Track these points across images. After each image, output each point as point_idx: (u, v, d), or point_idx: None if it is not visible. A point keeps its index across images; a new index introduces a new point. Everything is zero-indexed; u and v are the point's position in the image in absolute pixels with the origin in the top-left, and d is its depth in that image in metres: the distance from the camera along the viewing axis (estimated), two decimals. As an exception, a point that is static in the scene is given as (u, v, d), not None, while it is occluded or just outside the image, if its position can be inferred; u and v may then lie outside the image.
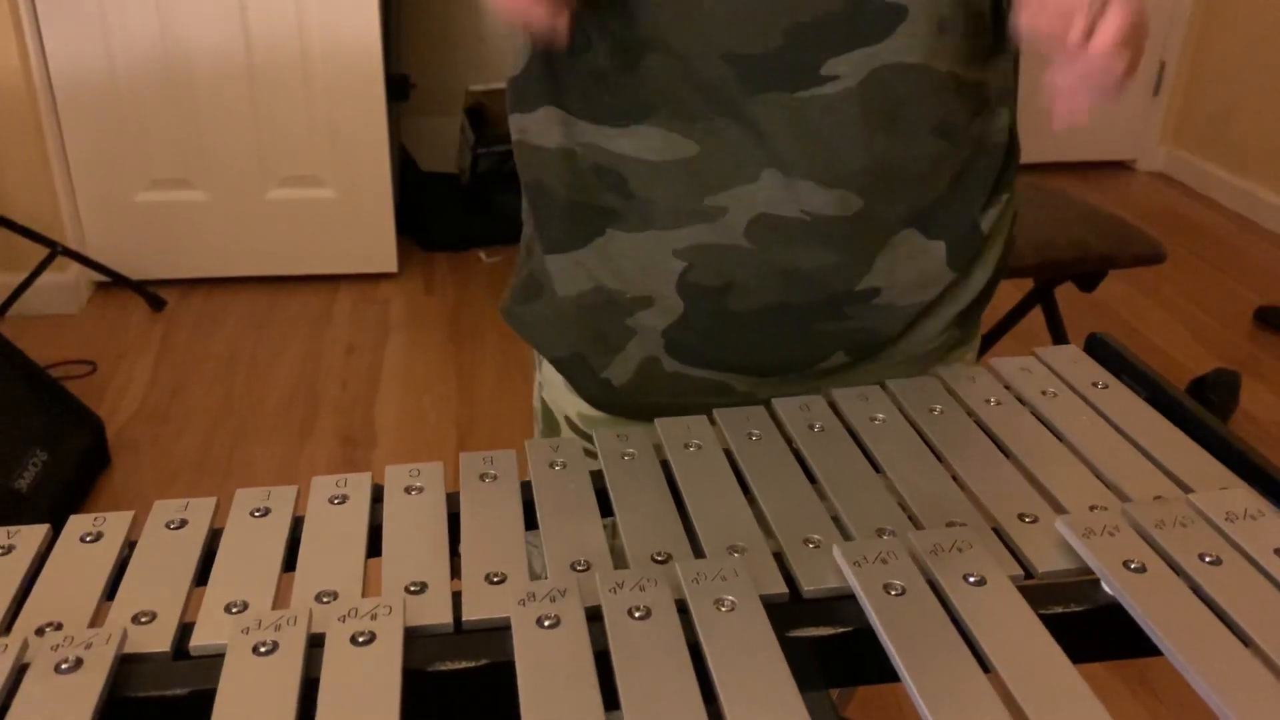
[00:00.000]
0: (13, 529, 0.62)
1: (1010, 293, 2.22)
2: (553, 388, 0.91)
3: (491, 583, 0.58)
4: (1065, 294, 2.24)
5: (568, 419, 0.90)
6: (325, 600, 0.57)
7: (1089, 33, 0.64)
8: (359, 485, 0.67)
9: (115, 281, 2.79)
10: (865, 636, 0.54)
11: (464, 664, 0.53)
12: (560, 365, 0.87)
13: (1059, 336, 2.27)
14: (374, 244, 2.95)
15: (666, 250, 0.79)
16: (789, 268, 0.78)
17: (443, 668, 0.53)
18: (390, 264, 2.98)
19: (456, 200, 3.25)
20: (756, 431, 0.73)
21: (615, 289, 0.82)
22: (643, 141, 0.76)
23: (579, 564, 0.60)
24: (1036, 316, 2.29)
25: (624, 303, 0.82)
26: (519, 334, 0.89)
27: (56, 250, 2.61)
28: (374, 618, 0.53)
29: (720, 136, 0.75)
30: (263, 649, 0.51)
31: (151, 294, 2.80)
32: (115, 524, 0.63)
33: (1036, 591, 0.57)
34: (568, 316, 0.84)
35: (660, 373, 0.84)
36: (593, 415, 0.88)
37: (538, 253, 0.86)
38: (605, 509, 0.66)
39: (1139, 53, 0.66)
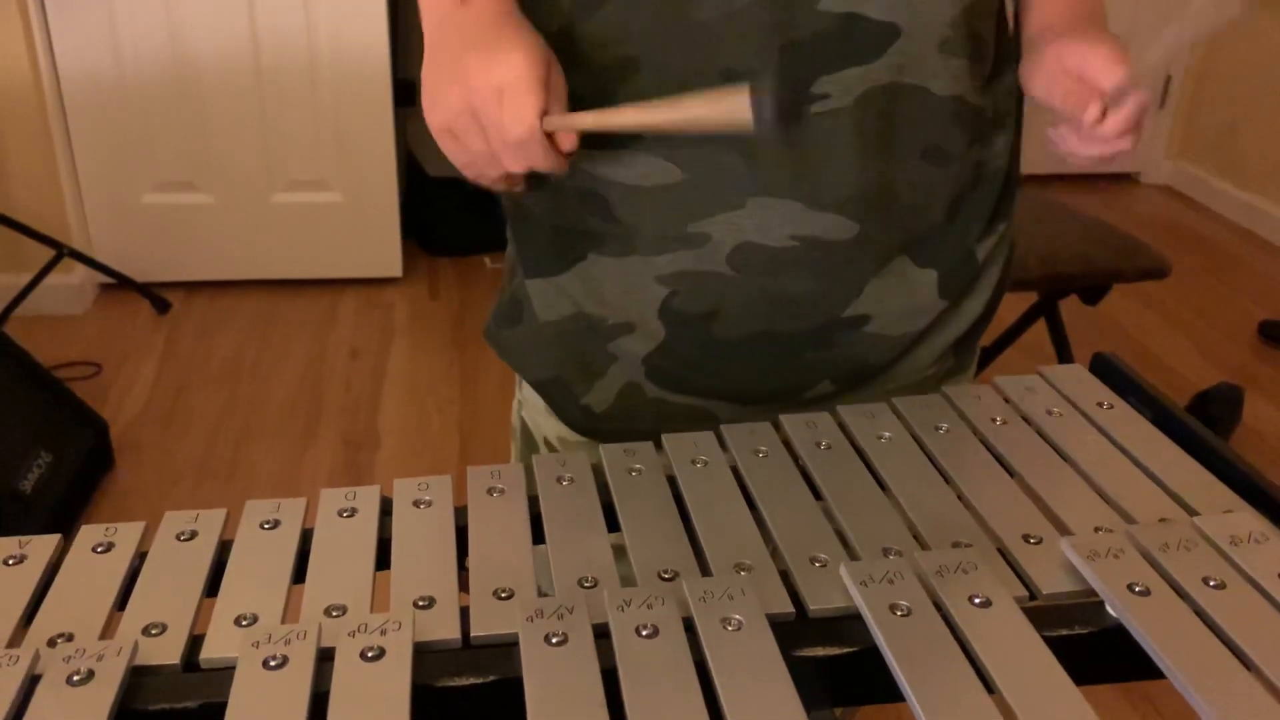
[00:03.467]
0: (24, 539, 0.62)
1: (1014, 305, 2.23)
2: (532, 408, 0.89)
3: (499, 598, 0.58)
4: (1069, 307, 2.25)
5: (546, 441, 0.89)
6: (334, 614, 0.57)
7: (1102, 117, 0.71)
8: (368, 498, 0.67)
9: (121, 283, 2.79)
10: (871, 656, 0.54)
11: (472, 680, 0.53)
12: (541, 389, 0.86)
13: (1063, 349, 2.27)
14: (379, 248, 2.96)
15: (649, 276, 0.78)
16: (775, 294, 0.78)
17: (451, 684, 0.53)
18: (395, 269, 2.99)
19: (462, 205, 3.25)
20: (763, 448, 0.73)
21: (596, 314, 0.81)
22: (628, 166, 0.76)
23: (586, 580, 0.60)
24: (1040, 329, 2.29)
25: (605, 329, 0.81)
26: (501, 356, 0.88)
27: (62, 252, 2.61)
28: (383, 633, 0.53)
29: (707, 162, 0.74)
30: (273, 663, 0.52)
31: (156, 296, 2.80)
32: (126, 534, 0.64)
33: (1041, 613, 0.57)
34: (548, 341, 0.83)
35: (641, 399, 0.83)
36: (572, 439, 0.87)
37: (519, 275, 0.85)
38: (612, 525, 0.66)
39: (1141, 131, 0.73)
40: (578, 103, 0.75)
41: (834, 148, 0.73)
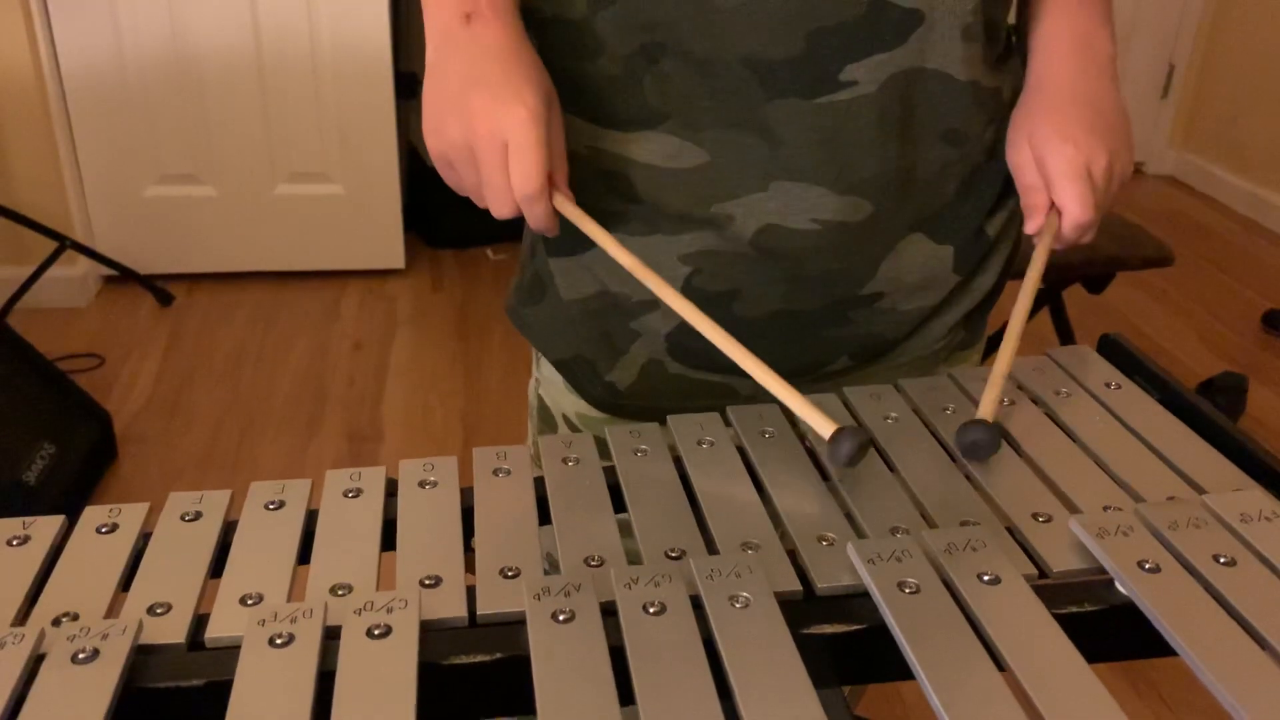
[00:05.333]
0: (28, 519, 0.62)
1: (1018, 295, 2.22)
2: (552, 386, 0.90)
3: (506, 577, 0.58)
4: (1073, 296, 2.24)
5: (566, 418, 0.90)
6: (340, 593, 0.57)
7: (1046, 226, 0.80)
8: (373, 479, 0.67)
9: (123, 276, 2.80)
10: (880, 634, 0.54)
11: (479, 658, 0.53)
12: (563, 367, 0.87)
13: (1066, 338, 2.27)
14: (382, 240, 2.96)
15: (672, 255, 0.79)
16: (795, 275, 0.78)
17: (458, 661, 0.53)
18: (398, 260, 2.99)
19: (464, 197, 3.25)
20: (770, 429, 0.73)
21: (620, 293, 0.81)
22: (653, 147, 0.76)
23: (593, 559, 0.60)
24: (1044, 318, 2.29)
25: (628, 306, 0.82)
26: (522, 334, 0.89)
27: (65, 244, 2.61)
28: (390, 611, 0.53)
29: (731, 144, 0.74)
30: (279, 641, 0.51)
31: (159, 289, 2.80)
32: (131, 515, 0.63)
33: (1050, 591, 0.57)
34: (572, 319, 0.84)
35: (663, 375, 0.84)
36: (593, 416, 0.87)
37: (541, 254, 0.85)
38: (619, 505, 0.66)
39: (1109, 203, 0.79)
40: (605, 85, 0.75)
41: (858, 133, 0.73)
